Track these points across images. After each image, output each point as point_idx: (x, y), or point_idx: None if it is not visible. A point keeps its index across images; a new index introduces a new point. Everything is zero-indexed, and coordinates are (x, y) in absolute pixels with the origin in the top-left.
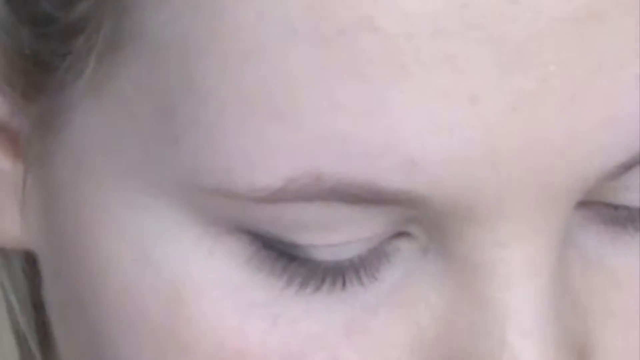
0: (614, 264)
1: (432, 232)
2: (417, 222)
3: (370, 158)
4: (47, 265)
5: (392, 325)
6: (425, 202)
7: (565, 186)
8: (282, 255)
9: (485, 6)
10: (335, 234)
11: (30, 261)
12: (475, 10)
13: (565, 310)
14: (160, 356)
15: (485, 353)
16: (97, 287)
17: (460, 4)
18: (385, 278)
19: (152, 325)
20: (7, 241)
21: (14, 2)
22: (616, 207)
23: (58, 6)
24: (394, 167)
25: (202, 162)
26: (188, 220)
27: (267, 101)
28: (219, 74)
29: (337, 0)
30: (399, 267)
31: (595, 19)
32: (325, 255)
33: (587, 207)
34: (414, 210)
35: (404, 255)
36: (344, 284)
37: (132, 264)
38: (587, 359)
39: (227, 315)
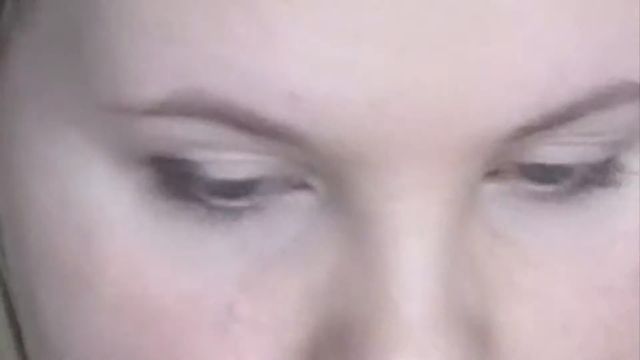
0: (529, 242)
1: (331, 185)
2: (317, 174)
3: (252, 85)
4: None
5: (287, 278)
6: (308, 140)
7: (456, 143)
8: (182, 194)
9: None
10: (227, 156)
11: None
12: None
13: (461, 279)
14: (70, 299)
15: (370, 311)
16: (24, 231)
17: None
18: (283, 230)
19: (64, 266)
20: None
21: None
22: (539, 181)
23: None
24: (275, 98)
25: (104, 84)
26: (101, 156)
27: (162, 24)
28: (120, 1)
29: None
30: (298, 220)
31: None
32: (222, 187)
33: (502, 180)
34: (301, 151)
35: (303, 208)
36: (244, 232)
37: (53, 203)
38: (489, 338)
39: (129, 256)
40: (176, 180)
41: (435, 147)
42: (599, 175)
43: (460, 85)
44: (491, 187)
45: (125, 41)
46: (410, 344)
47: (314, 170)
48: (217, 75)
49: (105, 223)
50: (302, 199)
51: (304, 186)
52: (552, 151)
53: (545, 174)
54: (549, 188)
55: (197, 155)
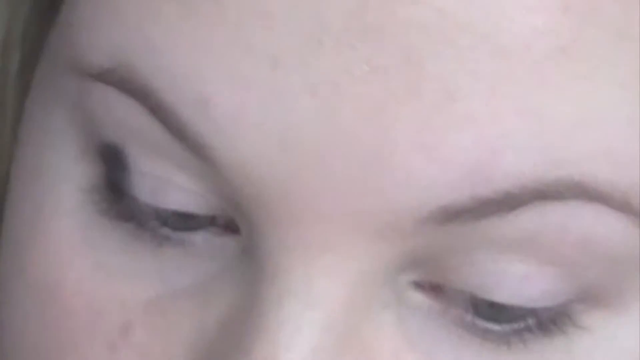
0: None
1: (249, 230)
2: (242, 215)
3: (171, 77)
4: None
5: (185, 318)
6: (215, 156)
7: (370, 214)
8: (120, 205)
9: None
10: (158, 161)
11: None
12: None
13: None
14: (7, 278)
15: None
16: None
17: None
18: (201, 270)
19: (12, 243)
20: None
21: None
22: (472, 312)
23: None
24: (188, 97)
25: (68, 47)
26: (72, 141)
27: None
28: None
29: None
30: (218, 264)
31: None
32: (148, 197)
33: (432, 296)
34: (214, 172)
35: (227, 254)
36: (165, 260)
37: (27, 171)
38: None
39: (59, 247)
40: (115, 188)
41: (346, 213)
42: (544, 320)
43: (379, 143)
44: (418, 297)
45: (84, 10)
46: None
47: (239, 210)
48: (145, 57)
49: (50, 205)
50: (228, 244)
51: (232, 230)
52: (485, 261)
53: (480, 306)
54: (481, 322)
55: (130, 150)
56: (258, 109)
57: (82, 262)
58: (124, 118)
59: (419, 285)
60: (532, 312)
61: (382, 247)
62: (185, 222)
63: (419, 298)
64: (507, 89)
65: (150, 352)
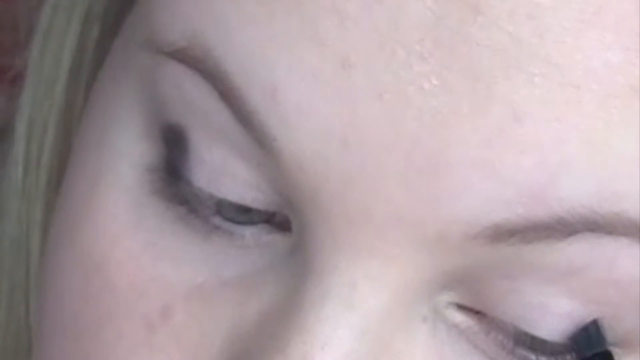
0: None
1: (301, 227)
2: (295, 212)
3: (243, 61)
4: None
5: (227, 305)
6: (277, 145)
7: (418, 220)
8: (177, 189)
9: None
10: (220, 147)
11: None
12: None
13: None
14: (56, 247)
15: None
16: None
17: None
18: (250, 263)
19: (65, 214)
20: None
21: None
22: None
23: None
24: (259, 86)
25: (144, 25)
26: (137, 121)
27: None
28: None
29: None
30: (267, 260)
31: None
32: (208, 186)
33: (485, 328)
34: (275, 165)
35: (277, 251)
36: (214, 248)
37: (90, 148)
38: None
39: (110, 223)
40: (173, 170)
41: (398, 219)
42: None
43: (441, 151)
44: (458, 317)
45: None
46: None
47: (293, 206)
48: (219, 38)
49: (108, 182)
50: (277, 241)
51: (284, 228)
52: (531, 292)
53: (521, 336)
54: (521, 351)
55: (193, 133)
56: (324, 105)
57: (130, 240)
58: (193, 99)
59: (460, 307)
60: (572, 349)
61: (428, 259)
62: (237, 214)
63: (458, 317)
64: (574, 118)
65: (187, 337)
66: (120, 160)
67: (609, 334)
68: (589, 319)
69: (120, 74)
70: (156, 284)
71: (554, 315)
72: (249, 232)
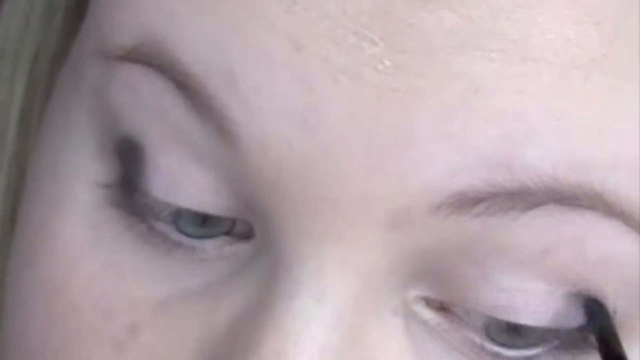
0: None
1: (264, 227)
2: (256, 214)
3: (200, 50)
4: None
5: (194, 316)
6: (237, 130)
7: (381, 197)
8: (133, 196)
9: None
10: (176, 150)
11: None
12: None
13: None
14: (17, 275)
15: None
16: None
17: None
18: (213, 270)
19: (24, 241)
20: None
21: None
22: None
23: None
24: (216, 71)
25: (93, 31)
26: (89, 136)
27: None
28: None
29: None
30: (231, 268)
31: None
32: (165, 195)
33: (455, 325)
34: (236, 157)
35: (241, 260)
36: (177, 264)
37: (46, 170)
38: None
39: (69, 246)
40: (130, 185)
41: (360, 198)
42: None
43: (400, 137)
44: (428, 313)
45: None
46: None
47: (254, 210)
48: (170, 31)
49: (69, 203)
50: (242, 250)
51: (246, 237)
52: (500, 277)
53: (492, 330)
54: (491, 346)
55: (149, 140)
56: (281, 87)
57: (90, 262)
58: (148, 99)
59: (428, 303)
60: (545, 338)
61: (394, 238)
62: (197, 229)
63: (427, 314)
64: (535, 90)
65: (156, 352)
66: (76, 182)
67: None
68: (562, 301)
69: (70, 95)
70: (121, 303)
71: (529, 299)
72: (210, 246)
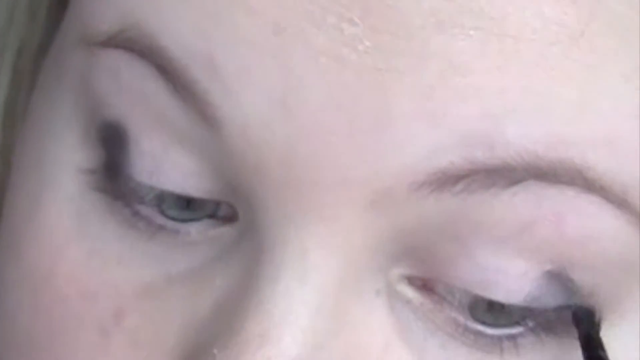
0: None
1: (248, 211)
2: (240, 198)
3: (180, 36)
4: None
5: (178, 301)
6: (219, 114)
7: (362, 177)
8: (117, 182)
9: None
10: (159, 134)
11: None
12: None
13: (330, 346)
14: (2, 265)
15: (221, 346)
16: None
17: None
18: (196, 254)
19: (9, 230)
20: None
21: None
22: (471, 315)
23: None
24: (196, 56)
25: (75, 20)
26: (74, 126)
27: None
28: None
29: None
30: (215, 252)
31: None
32: (153, 200)
33: (429, 297)
34: (218, 140)
35: (225, 242)
36: (160, 248)
37: (30, 160)
38: None
39: (54, 235)
40: (114, 172)
41: (342, 179)
42: (539, 326)
43: (381, 117)
44: (410, 292)
45: None
46: None
47: (237, 193)
48: (152, 16)
49: (53, 192)
50: (226, 233)
51: (230, 219)
52: (482, 254)
53: (475, 308)
54: (474, 325)
55: (132, 124)
56: (261, 70)
57: (76, 250)
58: (130, 84)
59: (411, 281)
60: (527, 316)
61: (376, 218)
62: (181, 212)
63: (410, 293)
64: (514, 68)
65: (141, 337)
66: (60, 170)
67: (567, 295)
68: (544, 279)
69: (53, 85)
70: (105, 289)
71: (510, 276)
72: (194, 229)
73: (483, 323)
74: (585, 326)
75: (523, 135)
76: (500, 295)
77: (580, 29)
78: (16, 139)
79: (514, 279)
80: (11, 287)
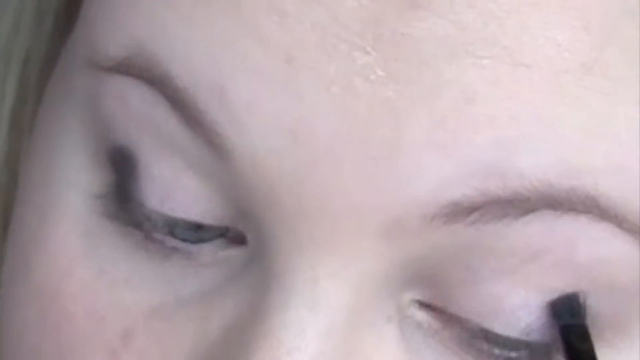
0: None
1: (258, 236)
2: (250, 223)
3: (191, 66)
4: None
5: (188, 323)
6: (228, 144)
7: (374, 207)
8: (127, 206)
9: None
10: (169, 159)
11: None
12: None
13: None
14: (11, 284)
15: None
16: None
17: None
18: (206, 277)
19: (17, 249)
20: None
21: None
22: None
23: None
24: (207, 87)
25: (83, 42)
26: (81, 147)
27: None
28: None
29: None
30: (225, 274)
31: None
32: (157, 205)
33: (439, 318)
34: (228, 171)
35: (235, 265)
36: (171, 270)
37: (38, 180)
38: None
39: (62, 254)
40: (124, 195)
41: (353, 209)
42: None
43: (393, 147)
44: (421, 315)
45: (100, 3)
46: None
47: (247, 219)
48: (161, 44)
49: (62, 211)
50: (235, 256)
51: (239, 241)
52: (489, 280)
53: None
54: (477, 343)
55: (141, 150)
56: (271, 100)
57: (83, 270)
58: (139, 111)
59: (422, 305)
60: (527, 344)
61: (387, 249)
62: (191, 234)
63: (421, 316)
64: (527, 96)
65: (150, 358)
66: (68, 190)
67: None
68: (545, 310)
69: (61, 103)
70: (114, 310)
71: (509, 307)
72: (205, 250)
73: (485, 342)
74: (577, 343)
75: (535, 164)
76: (498, 327)
77: (594, 56)
78: (22, 148)
79: (512, 311)
80: (19, 303)
